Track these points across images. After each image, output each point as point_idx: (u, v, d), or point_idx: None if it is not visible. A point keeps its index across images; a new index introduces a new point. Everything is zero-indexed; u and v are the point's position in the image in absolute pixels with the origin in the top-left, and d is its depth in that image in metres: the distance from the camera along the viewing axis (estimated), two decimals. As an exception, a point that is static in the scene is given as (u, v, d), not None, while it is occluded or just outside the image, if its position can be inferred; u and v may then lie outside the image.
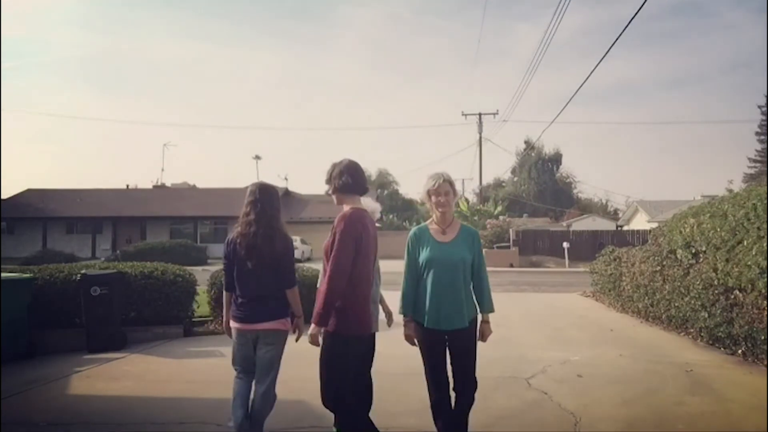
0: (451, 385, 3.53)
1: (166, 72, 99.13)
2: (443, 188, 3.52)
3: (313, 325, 3.22)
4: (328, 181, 3.52)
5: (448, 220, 3.58)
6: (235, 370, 3.76)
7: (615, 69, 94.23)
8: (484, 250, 3.82)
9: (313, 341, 3.26)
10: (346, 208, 3.45)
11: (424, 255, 3.50)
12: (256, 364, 3.68)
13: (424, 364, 3.53)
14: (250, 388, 3.69)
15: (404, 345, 3.60)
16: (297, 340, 3.74)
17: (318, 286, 3.54)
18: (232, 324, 3.69)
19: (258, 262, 3.55)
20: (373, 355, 3.80)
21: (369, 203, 3.79)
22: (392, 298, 4.00)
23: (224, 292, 3.77)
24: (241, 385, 3.70)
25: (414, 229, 3.69)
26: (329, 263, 3.25)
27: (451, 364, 3.52)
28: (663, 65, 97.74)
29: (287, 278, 3.66)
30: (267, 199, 3.67)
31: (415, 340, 3.58)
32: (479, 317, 3.58)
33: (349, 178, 3.44)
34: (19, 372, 6.27)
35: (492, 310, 3.59)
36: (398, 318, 3.76)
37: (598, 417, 4.50)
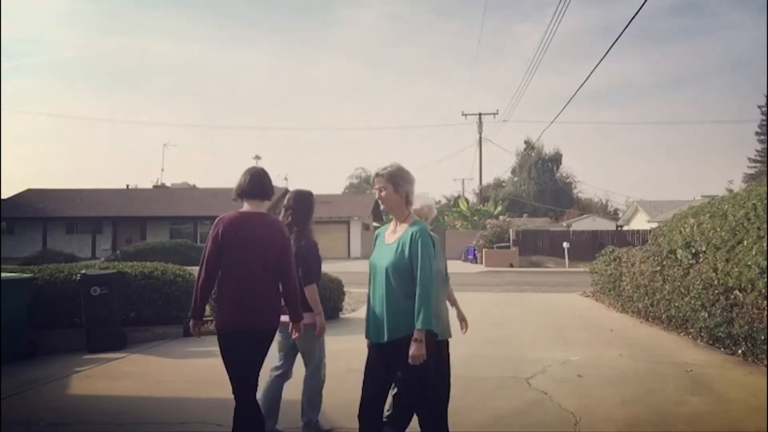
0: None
1: (166, 72, 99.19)
2: (376, 182, 3.21)
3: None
4: None
5: (399, 218, 3.20)
6: None
7: (615, 69, 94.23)
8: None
9: (193, 332, 3.58)
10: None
11: (371, 258, 3.26)
12: None
13: None
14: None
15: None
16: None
17: None
18: None
19: None
20: (254, 355, 3.45)
21: (426, 200, 3.84)
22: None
23: None
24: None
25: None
26: None
27: None
28: (663, 65, 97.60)
29: (302, 277, 3.87)
30: (294, 205, 4.10)
31: None
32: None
33: (240, 184, 3.55)
34: (19, 372, 6.26)
35: (425, 326, 2.84)
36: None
37: (598, 417, 4.50)
